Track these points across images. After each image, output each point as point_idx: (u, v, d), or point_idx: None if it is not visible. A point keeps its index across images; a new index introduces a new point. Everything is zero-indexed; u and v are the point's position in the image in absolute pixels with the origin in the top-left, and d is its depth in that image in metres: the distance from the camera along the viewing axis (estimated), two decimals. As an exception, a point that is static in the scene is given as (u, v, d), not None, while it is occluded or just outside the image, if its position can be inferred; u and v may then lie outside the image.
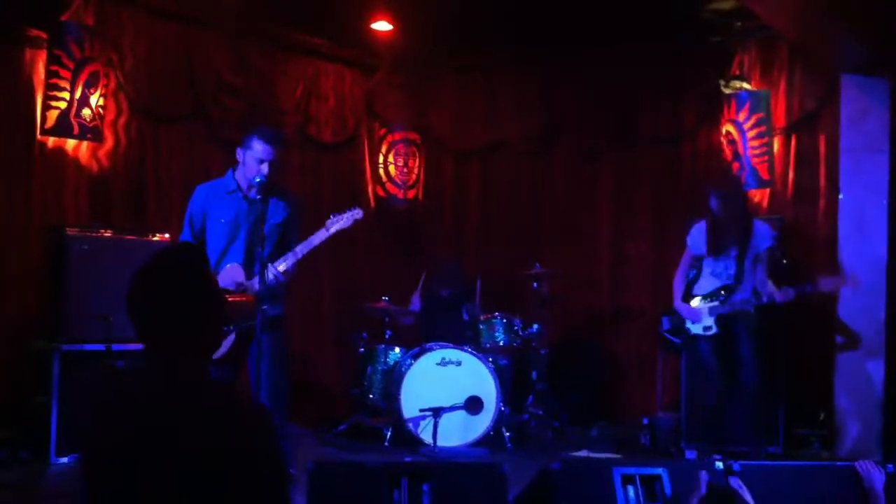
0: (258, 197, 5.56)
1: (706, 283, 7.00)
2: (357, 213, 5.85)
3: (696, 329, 7.00)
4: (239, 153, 5.71)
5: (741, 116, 8.13)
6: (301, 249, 5.68)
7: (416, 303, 8.60)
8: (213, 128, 8.34)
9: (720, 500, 3.80)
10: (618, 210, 9.67)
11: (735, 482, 3.86)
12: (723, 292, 6.87)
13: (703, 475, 3.85)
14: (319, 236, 5.74)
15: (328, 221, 5.78)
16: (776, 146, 8.14)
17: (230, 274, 5.61)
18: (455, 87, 10.19)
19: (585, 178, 9.88)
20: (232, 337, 5.56)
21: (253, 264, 5.56)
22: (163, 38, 8.04)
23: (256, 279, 5.47)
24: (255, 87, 8.74)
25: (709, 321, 6.92)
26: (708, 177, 8.52)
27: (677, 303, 7.09)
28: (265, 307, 5.42)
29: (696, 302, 7.00)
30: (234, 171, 5.78)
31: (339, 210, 5.85)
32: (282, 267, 5.61)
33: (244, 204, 5.69)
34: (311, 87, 9.26)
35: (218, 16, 8.28)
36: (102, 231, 6.97)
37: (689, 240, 7.14)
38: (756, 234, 6.83)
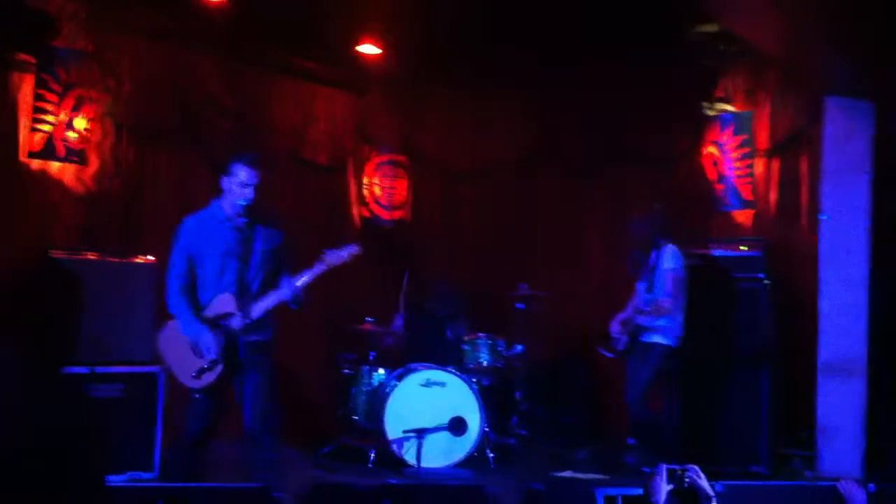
0: (245, 223, 5.58)
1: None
2: (354, 249, 5.85)
3: (619, 345, 7.50)
4: (224, 182, 5.71)
5: (724, 138, 8.19)
6: (298, 281, 5.70)
7: (398, 323, 8.62)
8: (204, 149, 8.33)
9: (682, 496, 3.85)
10: (608, 230, 9.71)
11: (692, 474, 3.88)
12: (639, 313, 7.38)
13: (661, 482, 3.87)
14: (317, 269, 5.76)
15: (325, 256, 5.78)
16: (759, 167, 8.19)
17: (220, 304, 5.63)
18: (445, 107, 10.24)
19: (576, 198, 9.94)
20: (220, 368, 5.59)
21: (244, 293, 5.58)
22: (153, 61, 8.05)
23: (263, 299, 5.54)
24: (246, 109, 8.74)
25: (625, 337, 7.43)
26: (697, 197, 8.60)
27: (615, 319, 7.60)
28: (254, 337, 5.48)
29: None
30: (220, 200, 5.78)
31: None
32: (299, 281, 5.65)
33: (233, 233, 5.68)
34: (302, 109, 9.26)
35: (209, 38, 8.31)
36: (87, 254, 6.96)
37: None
38: (661, 255, 7.30)
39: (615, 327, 7.50)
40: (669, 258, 7.29)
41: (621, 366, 9.31)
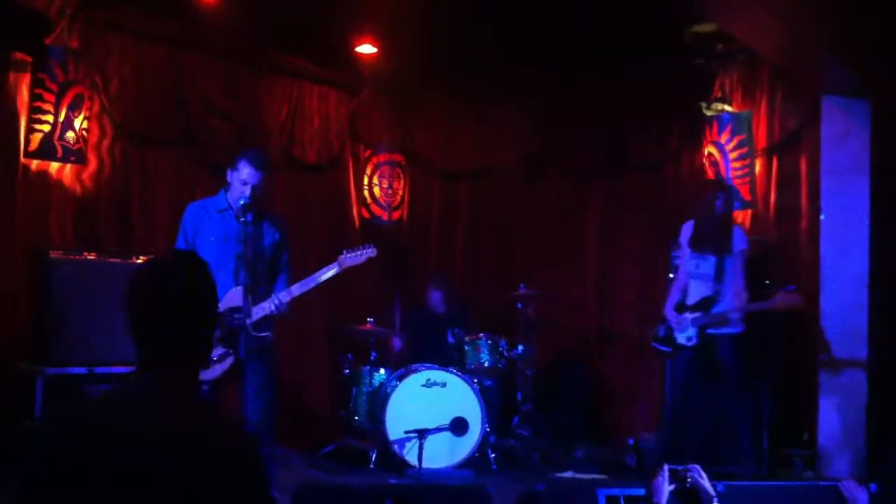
0: (250, 219, 5.57)
1: (694, 289, 7.17)
2: (370, 252, 5.90)
3: (681, 339, 7.13)
4: (228, 175, 5.74)
5: (723, 138, 8.18)
6: (309, 282, 5.72)
7: (399, 324, 8.63)
8: (199, 149, 8.30)
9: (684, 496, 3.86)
10: (605, 233, 9.73)
11: (694, 473, 3.89)
12: (707, 303, 7.04)
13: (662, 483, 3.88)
14: (330, 270, 5.79)
15: (340, 257, 5.84)
16: (758, 167, 8.19)
17: (231, 298, 5.62)
18: (443, 109, 10.22)
19: (573, 201, 9.94)
20: (230, 360, 5.59)
21: (249, 290, 5.58)
22: (148, 60, 8.01)
23: (258, 305, 5.54)
24: (241, 109, 8.72)
25: (691, 331, 7.07)
26: (691, 199, 8.58)
27: (668, 310, 7.25)
28: (257, 334, 5.48)
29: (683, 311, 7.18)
30: (226, 191, 5.80)
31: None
32: (285, 297, 5.65)
33: (235, 224, 5.68)
34: (296, 109, 9.25)
35: (204, 37, 8.28)
36: (86, 254, 6.94)
37: (681, 238, 7.38)
38: (734, 237, 7.09)
39: (673, 318, 7.18)
40: (741, 238, 7.14)
41: (617, 367, 9.38)
